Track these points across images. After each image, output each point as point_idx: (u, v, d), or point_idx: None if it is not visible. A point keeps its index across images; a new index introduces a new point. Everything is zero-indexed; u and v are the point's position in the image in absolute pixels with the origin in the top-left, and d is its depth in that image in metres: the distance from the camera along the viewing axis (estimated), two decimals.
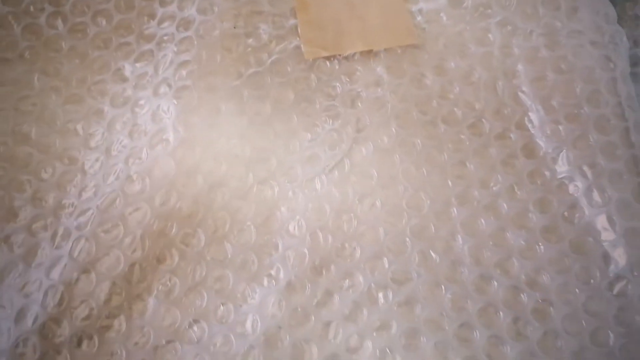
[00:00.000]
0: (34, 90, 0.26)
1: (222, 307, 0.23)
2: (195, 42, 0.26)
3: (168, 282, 0.24)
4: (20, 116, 0.26)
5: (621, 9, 0.31)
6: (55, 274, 0.23)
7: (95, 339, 0.23)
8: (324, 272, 0.24)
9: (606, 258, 0.24)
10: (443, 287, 0.24)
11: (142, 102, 0.26)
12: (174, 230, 0.24)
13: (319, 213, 0.25)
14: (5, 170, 0.25)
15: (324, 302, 0.24)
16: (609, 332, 0.23)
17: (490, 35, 0.28)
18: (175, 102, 0.25)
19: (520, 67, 0.27)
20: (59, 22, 0.28)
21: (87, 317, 0.23)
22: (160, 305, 0.23)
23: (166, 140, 0.25)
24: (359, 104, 0.26)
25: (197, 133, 0.25)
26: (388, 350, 0.23)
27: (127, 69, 0.27)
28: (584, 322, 0.23)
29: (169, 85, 0.26)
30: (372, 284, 0.24)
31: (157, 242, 0.24)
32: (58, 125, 0.26)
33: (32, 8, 0.28)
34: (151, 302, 0.23)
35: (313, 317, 0.23)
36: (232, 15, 0.27)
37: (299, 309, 0.23)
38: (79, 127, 0.26)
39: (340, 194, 0.25)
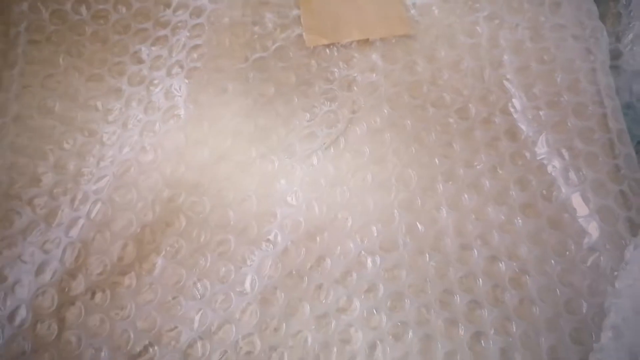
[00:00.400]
0: (59, 69, 0.29)
1: (223, 268, 0.26)
2: (206, 28, 0.29)
3: (175, 244, 0.26)
4: (46, 92, 0.28)
5: (604, 7, 0.33)
6: (74, 233, 0.26)
7: (108, 293, 0.25)
8: (317, 239, 0.26)
9: (580, 233, 0.26)
10: (427, 255, 0.26)
11: (156, 81, 0.28)
12: (182, 197, 0.27)
13: (315, 185, 0.27)
14: (30, 140, 0.28)
15: (317, 266, 0.26)
16: (582, 301, 0.25)
17: (478, 28, 0.30)
18: (187, 82, 0.28)
19: (505, 57, 0.29)
20: (83, 9, 0.30)
21: (101, 273, 0.25)
22: (168, 265, 0.25)
23: (177, 115, 0.27)
24: (355, 88, 0.29)
25: (205, 110, 0.28)
26: (374, 311, 0.25)
27: (144, 52, 0.29)
28: (558, 292, 0.25)
29: (181, 67, 0.28)
30: (362, 251, 0.26)
31: (167, 208, 0.26)
32: (80, 101, 0.28)
33: None
34: (159, 261, 0.25)
35: (306, 279, 0.25)
36: (240, 5, 0.29)
37: (294, 272, 0.25)
38: (98, 103, 0.28)
39: (335, 168, 0.27)
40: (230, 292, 0.25)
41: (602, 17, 0.32)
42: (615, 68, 0.31)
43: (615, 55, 0.32)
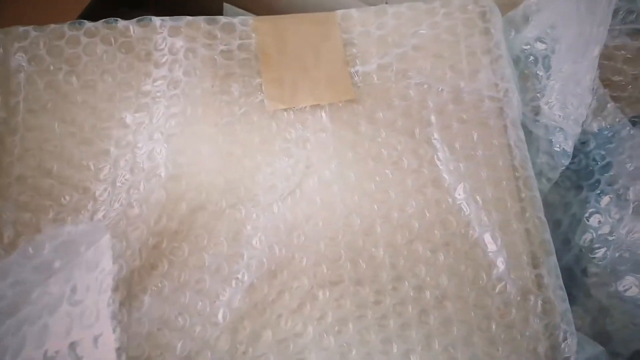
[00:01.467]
0: (55, 134, 0.34)
1: (200, 303, 0.31)
2: (182, 99, 0.34)
3: (159, 284, 0.31)
4: (44, 154, 0.33)
5: (527, 68, 0.39)
6: None
7: None
8: (278, 276, 0.31)
9: (491, 265, 0.32)
10: (367, 287, 0.31)
11: (140, 144, 0.33)
12: (164, 244, 0.32)
13: (276, 230, 0.32)
14: (32, 198, 0.32)
15: (277, 299, 0.31)
16: (492, 321, 0.31)
17: (411, 92, 0.35)
18: (166, 146, 0.33)
19: (432, 117, 0.35)
20: (74, 79, 0.35)
21: None
22: (153, 302, 0.30)
23: (159, 175, 0.32)
24: (308, 146, 0.34)
25: (183, 169, 0.33)
26: (325, 335, 0.30)
27: (129, 118, 0.34)
28: (472, 314, 0.31)
29: (161, 132, 0.33)
30: (314, 285, 0.31)
31: (152, 254, 0.31)
32: (74, 162, 0.33)
33: (52, 67, 0.35)
34: (146, 299, 0.30)
35: (269, 310, 0.31)
36: (210, 77, 0.34)
37: (258, 304, 0.31)
38: (90, 163, 0.33)
39: (292, 215, 0.33)
40: (206, 323, 0.30)
41: (524, 76, 0.38)
42: (535, 122, 0.37)
43: (537, 111, 0.37)
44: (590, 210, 0.35)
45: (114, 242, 0.31)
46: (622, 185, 0.35)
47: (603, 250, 0.35)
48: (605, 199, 0.35)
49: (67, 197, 0.32)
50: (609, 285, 0.34)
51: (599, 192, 0.36)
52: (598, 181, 0.36)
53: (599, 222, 0.35)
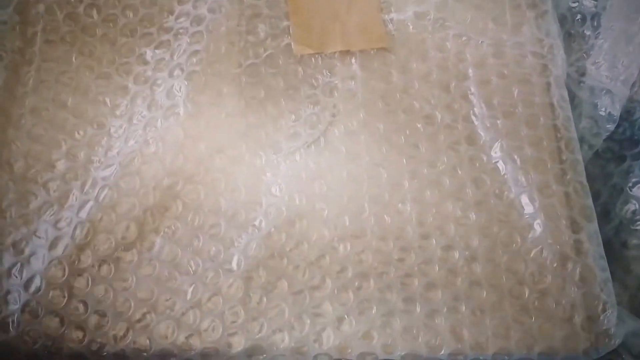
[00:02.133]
0: (72, 67, 0.32)
1: (214, 248, 0.29)
2: (205, 36, 0.32)
3: (172, 226, 0.29)
4: (60, 87, 0.32)
5: (573, 27, 0.36)
6: (83, 213, 0.29)
7: (112, 266, 0.28)
8: (297, 226, 0.30)
9: (526, 228, 0.30)
10: (391, 243, 0.29)
11: (159, 81, 0.32)
12: (179, 185, 0.30)
13: (297, 179, 0.30)
14: (45, 130, 0.31)
15: (295, 249, 0.29)
16: (525, 287, 0.29)
17: (447, 44, 0.33)
18: (186, 83, 0.31)
19: (470, 71, 0.33)
20: (95, 12, 0.34)
21: (107, 249, 0.29)
22: (165, 244, 0.29)
23: (177, 113, 0.31)
24: (336, 94, 0.32)
25: (202, 109, 0.31)
26: (344, 290, 0.29)
27: (148, 54, 0.32)
28: (504, 278, 0.29)
29: (182, 70, 0.32)
30: (335, 237, 0.29)
31: (166, 194, 0.30)
32: (90, 97, 0.32)
33: None
34: (158, 240, 0.29)
35: (286, 260, 0.29)
36: (236, 15, 0.33)
37: (275, 254, 0.29)
38: (107, 99, 0.32)
39: (315, 164, 0.31)
40: (219, 269, 0.29)
41: (569, 36, 0.36)
42: (580, 82, 0.35)
43: (582, 72, 0.35)
44: (634, 180, 0.33)
45: (127, 179, 0.30)
46: None
47: None
48: None
49: (81, 132, 0.31)
50: None
51: None
52: None
53: None
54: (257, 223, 0.30)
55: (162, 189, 0.30)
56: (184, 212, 0.30)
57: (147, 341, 0.27)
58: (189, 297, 0.28)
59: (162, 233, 0.29)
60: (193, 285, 0.28)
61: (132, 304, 0.28)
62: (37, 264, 0.28)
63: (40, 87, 0.32)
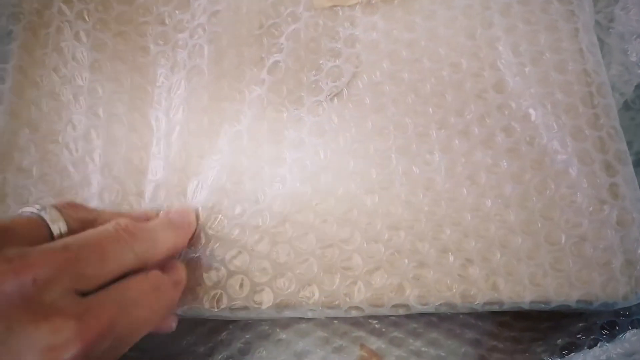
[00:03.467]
0: (88, 24, 0.32)
1: (238, 206, 0.28)
2: None
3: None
4: (78, 44, 0.31)
5: None
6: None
7: None
8: (321, 180, 0.29)
9: (560, 173, 0.29)
10: (421, 194, 0.29)
11: (180, 42, 0.31)
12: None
13: (321, 133, 0.30)
14: (66, 90, 0.31)
15: (322, 203, 0.28)
16: (561, 233, 0.28)
17: None
18: (207, 45, 0.31)
19: (496, 18, 0.32)
20: None
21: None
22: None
23: (200, 73, 0.30)
24: (358, 45, 0.31)
25: (224, 70, 0.30)
26: (374, 242, 0.28)
27: (167, 14, 0.32)
28: (539, 224, 0.28)
29: (204, 30, 0.31)
30: (362, 190, 0.29)
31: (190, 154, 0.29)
32: (107, 54, 0.31)
33: None
34: (182, 200, 0.29)
35: (312, 215, 0.28)
36: None
37: (302, 209, 0.28)
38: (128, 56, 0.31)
39: (338, 117, 0.30)
40: (246, 226, 0.28)
41: None
42: (607, 29, 0.33)
43: (611, 18, 0.34)
44: None
45: None
46: None
47: None
48: None
49: (100, 90, 0.30)
50: None
51: None
52: None
53: None
54: (281, 178, 0.29)
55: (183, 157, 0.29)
56: (202, 170, 0.29)
57: None
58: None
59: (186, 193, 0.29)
60: (218, 243, 0.28)
61: None
62: None
63: (59, 48, 0.31)
